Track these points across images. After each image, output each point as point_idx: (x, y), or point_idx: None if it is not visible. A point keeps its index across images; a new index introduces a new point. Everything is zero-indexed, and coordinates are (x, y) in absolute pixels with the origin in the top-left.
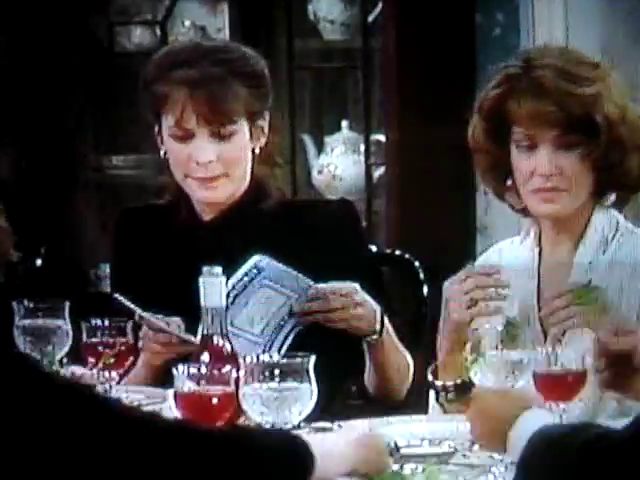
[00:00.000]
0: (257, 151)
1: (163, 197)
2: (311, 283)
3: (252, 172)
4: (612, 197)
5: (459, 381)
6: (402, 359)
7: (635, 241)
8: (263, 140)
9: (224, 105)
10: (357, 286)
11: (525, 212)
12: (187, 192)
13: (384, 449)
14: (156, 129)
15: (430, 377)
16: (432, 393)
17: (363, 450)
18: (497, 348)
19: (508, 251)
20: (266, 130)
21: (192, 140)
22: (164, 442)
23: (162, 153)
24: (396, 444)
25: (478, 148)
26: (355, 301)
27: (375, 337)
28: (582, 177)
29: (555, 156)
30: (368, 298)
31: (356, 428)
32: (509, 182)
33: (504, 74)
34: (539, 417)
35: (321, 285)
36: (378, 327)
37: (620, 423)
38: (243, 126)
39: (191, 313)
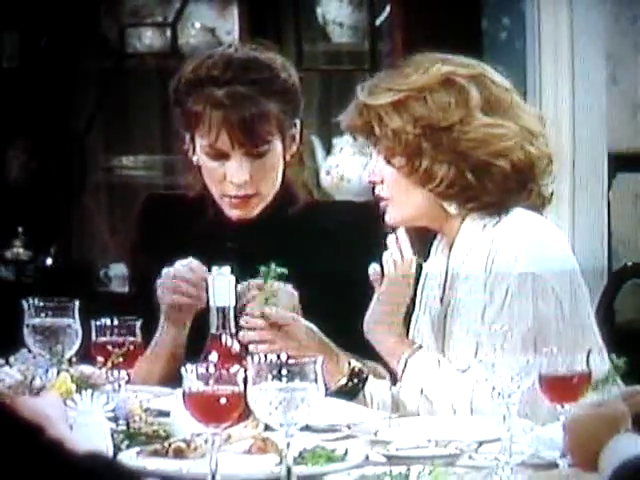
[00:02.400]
0: (288, 158)
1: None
2: None
3: (282, 177)
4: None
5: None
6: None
7: (506, 252)
8: (295, 147)
9: (258, 128)
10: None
11: None
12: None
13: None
14: (187, 137)
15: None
16: None
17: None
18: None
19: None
20: (297, 137)
21: (226, 160)
22: None
23: (195, 159)
24: None
25: None
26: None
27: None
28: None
29: None
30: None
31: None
32: None
33: None
34: (631, 442)
35: None
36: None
37: None
38: (276, 142)
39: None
